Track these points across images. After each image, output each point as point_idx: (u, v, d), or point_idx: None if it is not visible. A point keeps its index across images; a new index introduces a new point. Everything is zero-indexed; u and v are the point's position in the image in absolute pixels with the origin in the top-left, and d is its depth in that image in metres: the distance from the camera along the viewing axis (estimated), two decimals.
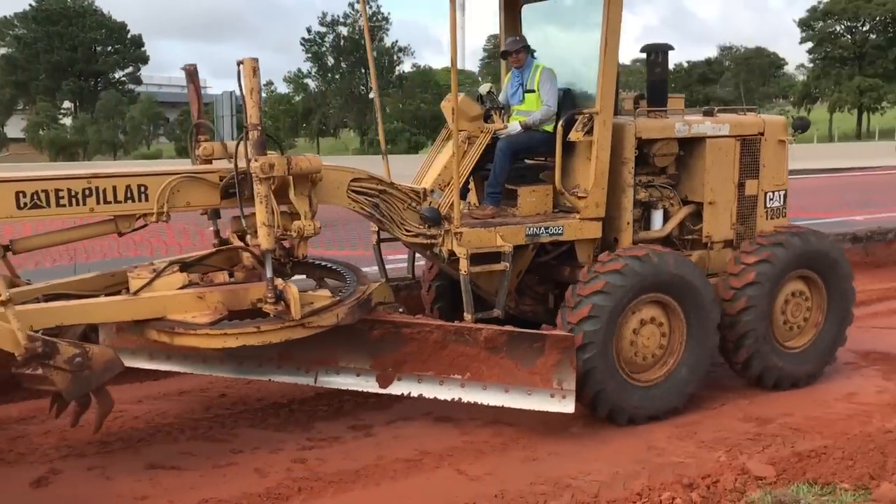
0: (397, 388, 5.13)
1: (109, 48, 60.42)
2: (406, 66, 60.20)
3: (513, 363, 4.96)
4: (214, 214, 5.24)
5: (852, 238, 10.39)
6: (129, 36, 60.99)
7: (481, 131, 5.78)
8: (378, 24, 55.82)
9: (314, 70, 55.28)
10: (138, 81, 64.45)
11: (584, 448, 4.93)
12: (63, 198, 4.27)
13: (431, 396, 5.08)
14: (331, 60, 55.59)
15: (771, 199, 6.29)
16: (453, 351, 5.05)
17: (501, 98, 6.27)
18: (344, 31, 54.98)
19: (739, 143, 6.08)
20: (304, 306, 4.60)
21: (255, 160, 4.42)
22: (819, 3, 68.83)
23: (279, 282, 4.57)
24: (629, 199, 5.72)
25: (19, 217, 4.20)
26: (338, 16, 55.12)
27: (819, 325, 6.06)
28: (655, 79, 6.31)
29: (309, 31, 54.91)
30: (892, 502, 3.58)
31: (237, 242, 5.18)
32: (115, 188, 4.44)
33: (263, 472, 4.58)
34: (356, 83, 56.12)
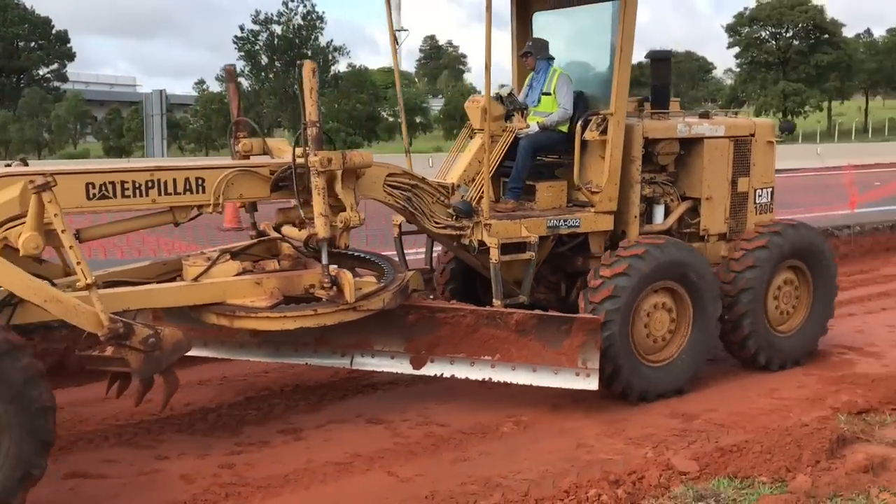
0: (430, 370, 5.45)
1: (33, 44, 58.53)
2: (341, 66, 59.88)
3: (540, 345, 5.32)
4: (252, 208, 5.50)
5: None
6: (53, 32, 59.19)
7: (503, 130, 6.08)
8: (312, 23, 55.32)
9: (247, 69, 54.42)
10: (64, 79, 62.62)
11: (514, 447, 4.97)
12: (128, 189, 4.55)
13: (463, 377, 5.43)
14: (264, 59, 54.78)
15: (760, 196, 6.76)
16: (485, 334, 5.39)
17: (519, 99, 6.52)
18: (278, 29, 54.30)
19: (733, 144, 6.56)
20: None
21: (315, 155, 4.70)
22: (745, 9, 70.88)
23: (333, 268, 4.89)
24: (636, 194, 6.14)
25: (88, 207, 4.50)
26: (271, 14, 54.41)
27: (806, 313, 6.56)
28: (658, 83, 6.83)
29: (242, 28, 54.00)
30: (807, 493, 3.71)
31: (273, 234, 5.48)
32: (175, 181, 4.71)
33: (190, 479, 4.49)
34: (290, 82, 55.49)
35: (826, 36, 68.55)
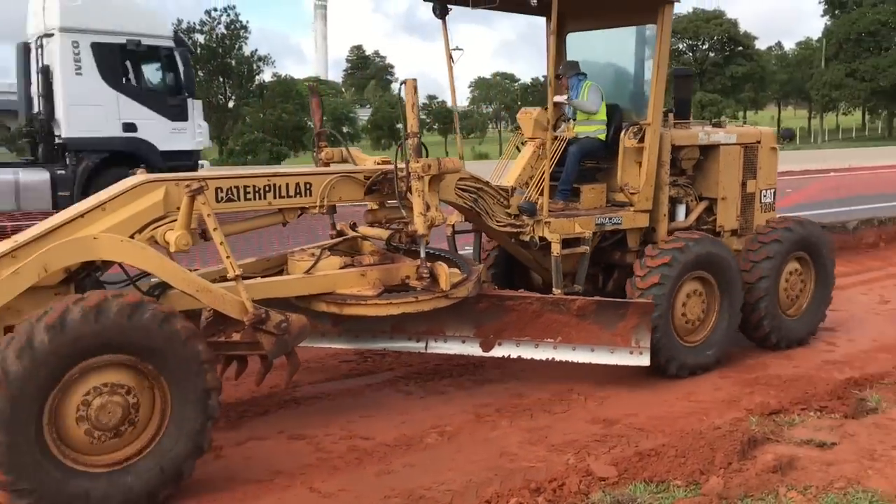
0: (498, 352, 6.05)
1: None
2: (266, 76, 59.22)
3: (598, 327, 5.95)
4: (331, 211, 5.82)
5: None
6: None
7: (554, 139, 6.66)
8: (236, 32, 54.56)
9: None
10: None
11: (438, 458, 4.95)
12: (249, 193, 5.14)
13: (528, 357, 6.02)
14: None
15: (765, 196, 7.64)
16: (548, 319, 5.98)
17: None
18: (201, 38, 53.38)
19: (743, 150, 7.41)
20: None
21: (416, 161, 5.38)
22: None
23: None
24: (665, 194, 6.90)
25: (218, 209, 4.94)
26: (194, 23, 53.49)
27: (809, 299, 7.46)
28: (681, 97, 7.74)
29: None
30: (719, 495, 3.79)
31: (351, 233, 6.04)
32: (287, 185, 5.30)
33: None
34: (214, 92, 54.59)
35: (740, 48, 71.11)
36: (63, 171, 13.34)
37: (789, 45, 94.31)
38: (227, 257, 4.76)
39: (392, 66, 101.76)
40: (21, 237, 4.63)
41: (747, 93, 72.23)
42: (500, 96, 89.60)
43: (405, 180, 5.45)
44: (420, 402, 5.97)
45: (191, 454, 4.32)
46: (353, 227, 6.11)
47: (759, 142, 7.56)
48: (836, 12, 74.71)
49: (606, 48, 7.71)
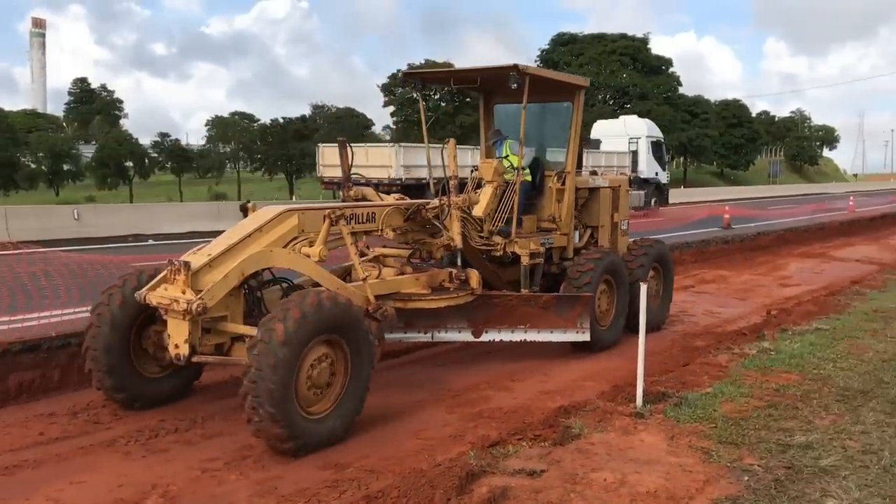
0: (485, 337, 8.20)
1: None
2: None
3: (555, 316, 8.22)
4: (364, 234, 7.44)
5: None
6: None
7: (505, 182, 8.70)
8: None
9: None
10: None
11: None
12: (341, 219, 6.72)
13: (508, 340, 8.26)
14: None
15: (623, 224, 10.19)
16: (521, 311, 8.19)
17: None
18: None
19: (612, 192, 9.94)
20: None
21: (457, 196, 7.74)
22: (398, 71, 75.90)
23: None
24: (572, 223, 9.38)
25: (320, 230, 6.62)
26: None
27: (660, 295, 10.27)
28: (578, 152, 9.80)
29: None
30: None
31: (372, 253, 7.94)
32: (360, 214, 7.12)
33: None
34: None
35: (468, 100, 75.75)
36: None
37: None
38: (360, 264, 6.85)
39: (120, 101, 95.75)
40: (213, 251, 6.20)
41: (476, 141, 76.92)
42: (238, 136, 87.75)
43: (446, 210, 7.71)
44: (141, 461, 5.57)
45: (361, 402, 6.14)
46: (367, 247, 7.94)
47: (620, 186, 10.18)
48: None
49: (530, 115, 9.01)
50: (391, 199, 8.09)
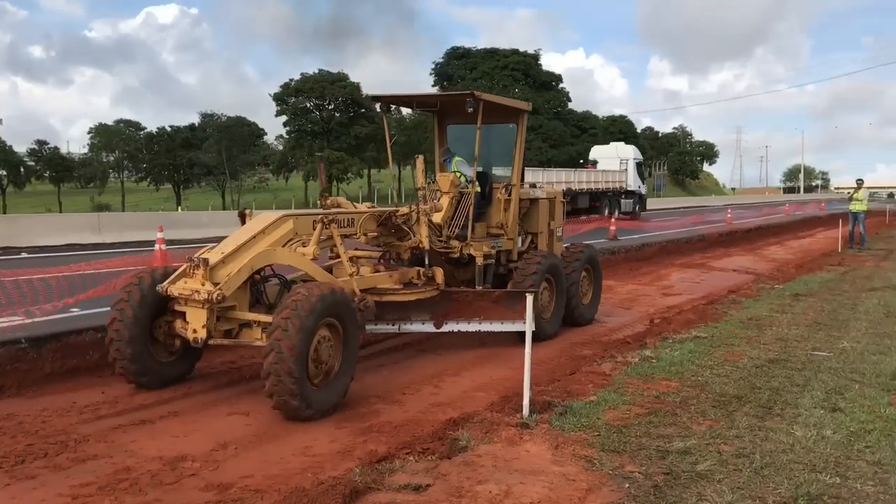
0: (446, 328, 9.23)
1: None
2: None
3: (505, 309, 9.32)
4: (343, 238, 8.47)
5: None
6: None
7: (461, 193, 9.97)
8: None
9: None
10: None
11: None
12: (327, 224, 7.90)
13: (465, 330, 9.30)
14: None
15: (558, 231, 11.65)
16: (477, 305, 9.40)
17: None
18: None
19: (549, 202, 11.38)
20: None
21: (426, 205, 9.18)
22: (291, 80, 74.93)
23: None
24: (517, 229, 10.72)
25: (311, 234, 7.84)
26: None
27: (591, 292, 11.68)
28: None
29: None
30: None
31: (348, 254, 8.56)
32: (345, 219, 8.32)
33: None
34: None
35: (363, 110, 75.56)
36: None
37: (407, 110, 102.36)
38: (349, 261, 8.15)
39: None
40: (224, 249, 7.31)
41: (371, 152, 76.73)
42: (123, 144, 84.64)
43: (414, 217, 8.97)
44: (5, 491, 5.23)
45: (352, 374, 7.33)
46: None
47: (556, 197, 11.66)
48: (445, 83, 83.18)
49: (482, 133, 10.01)
50: (364, 206, 9.41)
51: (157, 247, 14.45)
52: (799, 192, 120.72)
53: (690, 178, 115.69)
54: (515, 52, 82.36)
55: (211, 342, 7.19)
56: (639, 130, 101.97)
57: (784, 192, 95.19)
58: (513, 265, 10.44)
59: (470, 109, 9.39)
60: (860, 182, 25.53)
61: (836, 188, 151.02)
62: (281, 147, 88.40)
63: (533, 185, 12.09)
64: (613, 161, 41.65)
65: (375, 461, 5.45)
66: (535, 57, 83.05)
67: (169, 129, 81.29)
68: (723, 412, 6.35)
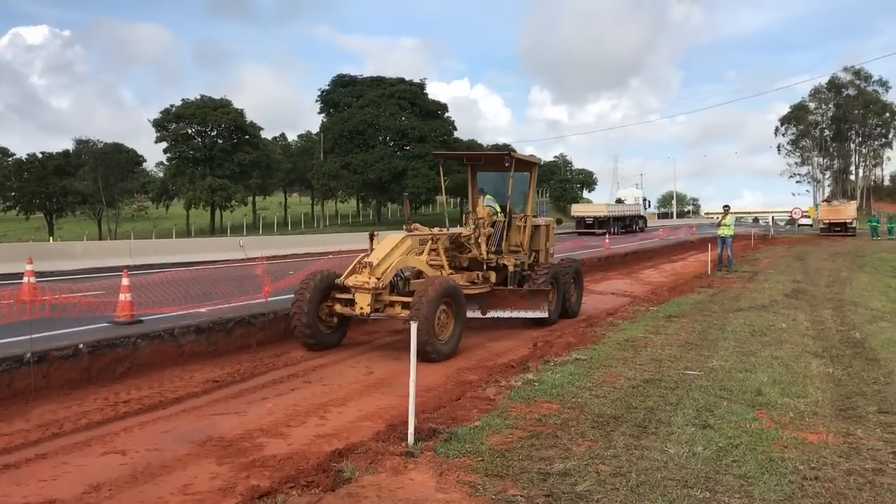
0: (489, 315, 13.20)
1: None
2: None
3: (529, 302, 13.21)
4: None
5: (196, 329, 10.91)
6: None
7: (494, 221, 14.07)
8: None
9: None
10: None
11: None
12: (433, 241, 12.48)
13: (502, 316, 13.34)
14: None
15: (551, 249, 15.84)
16: (510, 299, 13.31)
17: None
18: None
19: (546, 227, 15.46)
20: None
21: (486, 227, 13.67)
22: (172, 106, 72.91)
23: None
24: (528, 247, 14.73)
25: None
26: None
27: (576, 294, 15.61)
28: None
29: None
30: None
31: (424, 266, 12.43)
32: (430, 238, 12.44)
33: None
34: None
35: (247, 137, 74.32)
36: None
37: (292, 137, 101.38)
38: (443, 266, 12.42)
39: None
40: (377, 257, 11.26)
41: (255, 179, 75.42)
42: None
43: (473, 238, 13.33)
44: None
45: (461, 336, 11.38)
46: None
47: (550, 224, 15.91)
48: (331, 111, 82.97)
49: (498, 176, 15.12)
50: (436, 230, 13.16)
51: (25, 279, 13.67)
52: (672, 217, 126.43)
53: (571, 204, 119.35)
54: (402, 80, 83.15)
55: (372, 316, 11.14)
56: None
57: (658, 218, 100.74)
58: (526, 273, 14.32)
59: (507, 164, 13.97)
60: (727, 208, 27.04)
61: (705, 213, 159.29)
62: (161, 174, 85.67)
63: (535, 215, 15.33)
64: (631, 198, 69.35)
65: (258, 497, 5.34)
66: (421, 86, 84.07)
67: (40, 155, 77.42)
68: (601, 432, 6.56)
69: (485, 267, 13.40)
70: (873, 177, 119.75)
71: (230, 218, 79.32)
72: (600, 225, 56.72)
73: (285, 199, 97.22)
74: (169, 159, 75.93)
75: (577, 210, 63.81)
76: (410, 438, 6.17)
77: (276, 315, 12.24)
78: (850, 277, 22.61)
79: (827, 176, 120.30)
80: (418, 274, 12.29)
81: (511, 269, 13.83)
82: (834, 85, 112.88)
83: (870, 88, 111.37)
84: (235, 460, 6.58)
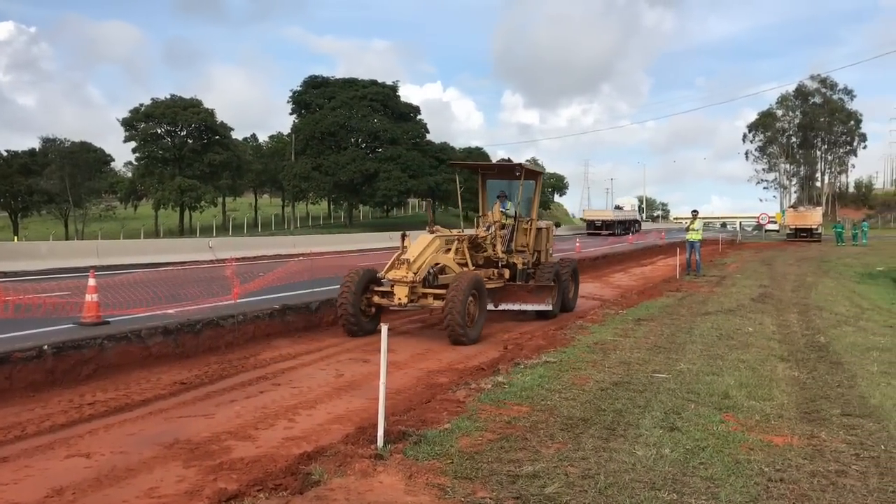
0: (501, 307, 14.88)
1: None
2: None
3: (535, 296, 15.03)
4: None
5: (163, 331, 10.78)
6: None
7: (503, 224, 15.65)
8: None
9: None
10: None
11: None
12: (458, 241, 14.37)
13: (510, 308, 15.09)
14: None
15: (551, 250, 17.52)
16: (519, 293, 15.15)
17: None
18: None
19: (547, 230, 17.25)
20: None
21: (500, 229, 15.49)
22: (141, 105, 72.06)
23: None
24: (532, 247, 16.41)
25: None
26: None
27: (573, 290, 17.27)
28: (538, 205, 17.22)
29: None
30: None
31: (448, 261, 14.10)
32: (454, 239, 14.22)
33: None
34: None
35: (217, 137, 73.67)
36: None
37: (263, 138, 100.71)
38: (466, 263, 14.16)
39: None
40: (412, 255, 12.76)
41: (225, 180, 74.82)
42: None
43: (489, 239, 15.04)
44: None
45: (483, 322, 13.02)
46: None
47: (550, 227, 17.66)
48: (303, 112, 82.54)
49: (507, 183, 16.81)
50: (455, 232, 14.79)
51: None
52: (647, 221, 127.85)
53: (542, 208, 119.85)
54: (374, 82, 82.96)
55: (409, 306, 12.82)
56: (494, 162, 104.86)
57: (652, 221, 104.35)
58: (530, 271, 16.03)
59: (518, 174, 15.83)
60: (696, 213, 27.34)
61: (674, 218, 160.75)
62: (130, 174, 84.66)
63: (538, 218, 16.99)
64: (628, 205, 79.07)
65: (225, 500, 5.28)
66: (394, 88, 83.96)
67: (5, 153, 76.15)
68: (570, 435, 6.59)
69: (499, 265, 15.11)
70: (838, 184, 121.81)
71: (199, 219, 78.56)
72: (606, 227, 68.10)
73: (255, 201, 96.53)
74: (138, 159, 75.01)
75: (587, 214, 79.05)
76: (380, 441, 6.15)
77: (245, 317, 12.15)
78: (816, 282, 22.97)
79: (793, 182, 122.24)
80: (441, 269, 13.61)
81: (520, 266, 15.52)
82: (801, 93, 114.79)
83: (835, 97, 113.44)
84: (202, 463, 6.50)
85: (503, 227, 15.46)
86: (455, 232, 14.74)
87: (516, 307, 14.99)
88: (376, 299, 13.13)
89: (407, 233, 13.98)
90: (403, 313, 15.25)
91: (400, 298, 12.54)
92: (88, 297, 11.15)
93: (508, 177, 16.47)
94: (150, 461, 6.55)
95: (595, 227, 68.64)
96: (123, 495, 5.75)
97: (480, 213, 16.69)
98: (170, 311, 11.99)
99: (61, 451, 6.80)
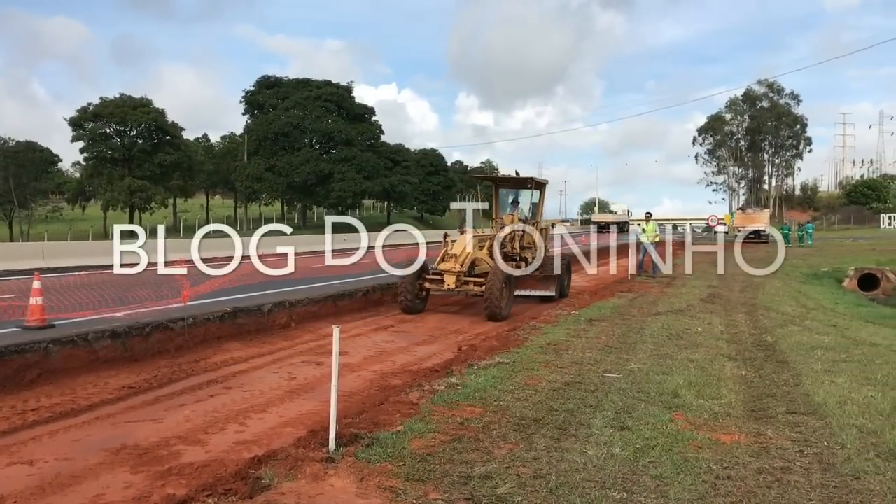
0: (517, 293, 17.58)
1: None
2: None
3: (543, 284, 18.72)
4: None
5: (111, 334, 10.56)
6: None
7: (516, 226, 18.97)
8: None
9: None
10: None
11: None
12: (490, 241, 17.79)
13: (523, 294, 18.30)
14: None
15: (549, 246, 20.58)
16: (530, 282, 18.56)
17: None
18: None
19: (546, 229, 20.36)
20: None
21: (515, 231, 18.88)
22: (89, 104, 70.53)
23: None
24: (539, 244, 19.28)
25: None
26: None
27: (567, 279, 20.47)
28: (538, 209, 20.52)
29: None
30: None
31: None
32: (488, 239, 17.93)
33: None
34: None
35: (168, 137, 72.40)
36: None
37: (215, 138, 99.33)
38: (496, 260, 16.83)
39: None
40: (457, 250, 16.65)
41: (176, 181, 73.57)
42: None
43: (512, 236, 18.50)
44: None
45: (511, 304, 16.51)
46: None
47: (548, 227, 20.43)
48: (256, 112, 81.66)
49: (516, 191, 20.00)
50: (479, 231, 18.31)
51: None
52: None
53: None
54: (328, 83, 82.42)
55: (457, 290, 16.05)
56: (449, 164, 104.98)
57: (581, 224, 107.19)
58: (537, 263, 18.37)
59: (530, 185, 19.24)
60: (649, 215, 27.70)
61: (631, 220, 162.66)
62: (77, 175, 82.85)
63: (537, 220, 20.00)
64: (620, 211, 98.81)
65: None
66: (348, 89, 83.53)
67: None
68: (522, 435, 6.62)
69: (517, 259, 18.07)
70: (785, 186, 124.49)
71: (150, 220, 77.14)
72: (608, 227, 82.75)
73: (207, 202, 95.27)
74: (86, 159, 73.30)
75: (596, 217, 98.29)
76: (331, 444, 6.11)
77: (195, 319, 11.96)
78: (763, 283, 23.45)
79: (742, 185, 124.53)
80: (473, 262, 16.68)
81: (530, 260, 18.44)
82: (749, 97, 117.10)
83: (782, 101, 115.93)
84: (151, 468, 6.41)
85: (521, 229, 18.67)
86: (487, 231, 18.88)
87: (527, 293, 18.22)
88: (427, 285, 16.67)
89: (448, 232, 18.04)
90: (360, 316, 15.18)
91: (449, 284, 16.03)
92: (33, 300, 10.87)
93: (520, 186, 19.81)
94: (97, 467, 6.42)
95: (600, 227, 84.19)
96: (67, 503, 5.61)
97: (494, 217, 20.06)
98: (118, 315, 11.75)
99: (2, 459, 6.62)
